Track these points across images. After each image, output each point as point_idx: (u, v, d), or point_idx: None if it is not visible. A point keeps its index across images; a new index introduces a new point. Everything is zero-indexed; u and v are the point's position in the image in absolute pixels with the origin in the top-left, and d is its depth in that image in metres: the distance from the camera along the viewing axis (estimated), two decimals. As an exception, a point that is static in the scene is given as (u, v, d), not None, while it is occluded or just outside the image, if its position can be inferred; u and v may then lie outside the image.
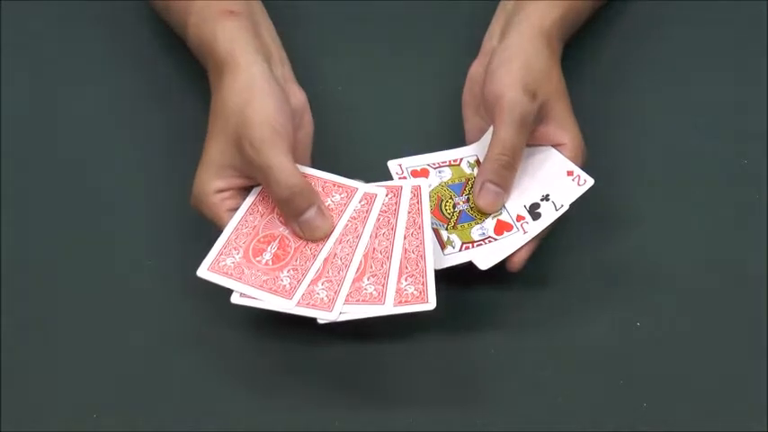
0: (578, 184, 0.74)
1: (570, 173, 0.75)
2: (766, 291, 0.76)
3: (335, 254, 0.71)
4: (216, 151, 0.73)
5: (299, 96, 0.77)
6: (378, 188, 0.74)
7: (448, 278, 0.74)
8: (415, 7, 0.91)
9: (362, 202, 0.73)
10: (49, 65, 0.89)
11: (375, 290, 0.69)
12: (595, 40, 0.88)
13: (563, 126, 0.76)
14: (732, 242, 0.78)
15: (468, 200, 0.76)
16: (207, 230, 0.75)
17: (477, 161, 0.77)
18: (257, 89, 0.73)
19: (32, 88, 0.88)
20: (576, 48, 0.85)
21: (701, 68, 0.88)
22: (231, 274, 0.70)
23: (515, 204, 0.75)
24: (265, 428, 0.71)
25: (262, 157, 0.70)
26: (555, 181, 0.75)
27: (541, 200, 0.74)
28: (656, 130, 0.84)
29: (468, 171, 0.77)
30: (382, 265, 0.70)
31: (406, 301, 0.69)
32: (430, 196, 0.75)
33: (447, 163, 0.78)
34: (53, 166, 0.83)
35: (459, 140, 0.80)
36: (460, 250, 0.73)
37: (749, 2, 0.91)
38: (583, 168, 0.75)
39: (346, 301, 0.69)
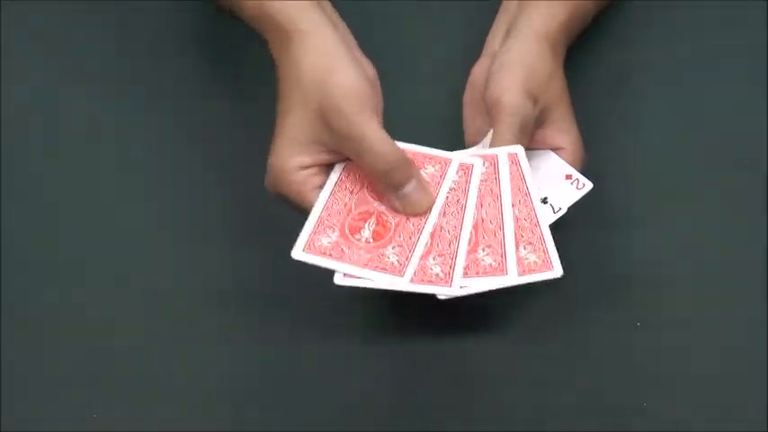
0: (577, 188, 0.74)
1: (569, 176, 0.75)
2: (766, 291, 0.76)
3: (442, 227, 0.68)
4: (296, 125, 0.69)
5: (369, 67, 0.75)
6: (474, 158, 0.71)
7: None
8: (415, 7, 0.91)
9: (459, 173, 0.70)
10: (49, 65, 0.89)
11: (494, 260, 0.67)
12: (594, 41, 0.88)
13: (563, 130, 0.76)
14: (732, 242, 0.78)
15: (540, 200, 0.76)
16: (206, 229, 0.76)
17: None
18: (335, 56, 0.70)
19: (32, 88, 0.87)
20: (574, 48, 0.85)
21: (701, 69, 0.88)
22: (330, 255, 0.67)
23: None
24: (263, 429, 0.71)
25: (354, 129, 0.67)
26: (553, 184, 0.75)
27: (540, 203, 0.74)
28: (656, 129, 0.84)
29: None
30: (495, 235, 0.68)
31: (530, 270, 0.67)
32: None
33: None
34: (53, 166, 0.83)
35: (458, 141, 0.80)
36: None
37: (749, 2, 0.91)
38: (582, 172, 0.75)
39: (465, 275, 0.67)
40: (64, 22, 0.91)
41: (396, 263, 0.67)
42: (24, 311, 0.76)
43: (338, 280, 0.67)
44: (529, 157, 0.76)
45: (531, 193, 0.69)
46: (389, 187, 0.69)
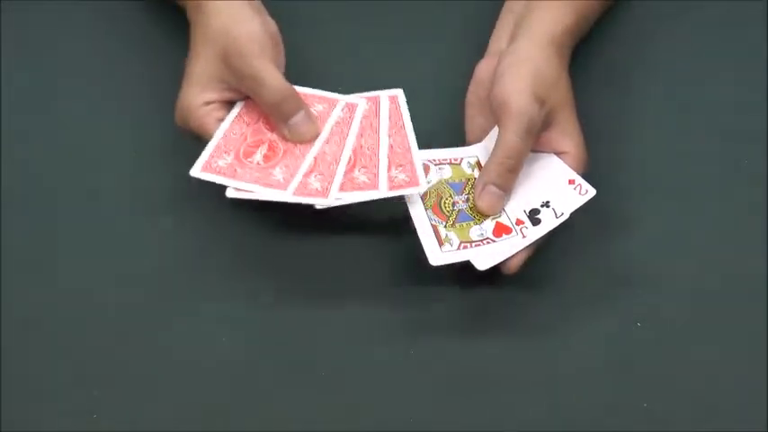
0: (579, 194, 0.74)
1: (572, 181, 0.75)
2: (766, 291, 0.76)
3: (325, 152, 0.76)
4: (202, 67, 0.77)
5: (273, 26, 0.80)
6: (358, 99, 0.79)
7: (446, 278, 0.74)
8: (415, 7, 0.92)
9: (344, 110, 0.78)
10: (49, 65, 0.89)
11: (368, 178, 0.74)
12: (594, 41, 0.88)
13: (568, 134, 0.76)
14: (732, 243, 0.78)
15: (467, 200, 0.76)
16: (207, 229, 0.75)
17: (478, 162, 0.78)
18: (240, 13, 0.78)
19: (32, 88, 0.87)
20: (582, 49, 0.85)
21: (701, 69, 0.88)
22: (225, 173, 0.74)
23: (515, 208, 0.75)
24: (261, 429, 0.71)
25: (252, 66, 0.75)
26: (556, 188, 0.75)
27: (542, 206, 0.74)
28: (656, 130, 0.84)
29: (468, 171, 0.77)
30: (371, 159, 0.75)
31: (399, 186, 0.74)
32: (429, 193, 0.76)
33: (448, 161, 0.78)
34: (52, 165, 0.83)
35: (458, 139, 0.80)
36: (458, 249, 0.73)
37: (749, 2, 0.91)
38: (584, 176, 0.75)
39: (341, 189, 0.74)
40: (64, 22, 0.91)
41: (281, 180, 0.74)
42: (24, 311, 0.76)
43: (230, 193, 0.74)
44: (532, 160, 0.76)
45: (406, 127, 0.77)
46: (280, 117, 0.76)
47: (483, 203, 0.75)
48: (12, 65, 0.89)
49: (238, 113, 0.78)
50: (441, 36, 0.89)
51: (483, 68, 0.80)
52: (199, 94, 0.77)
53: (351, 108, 0.78)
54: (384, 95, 0.79)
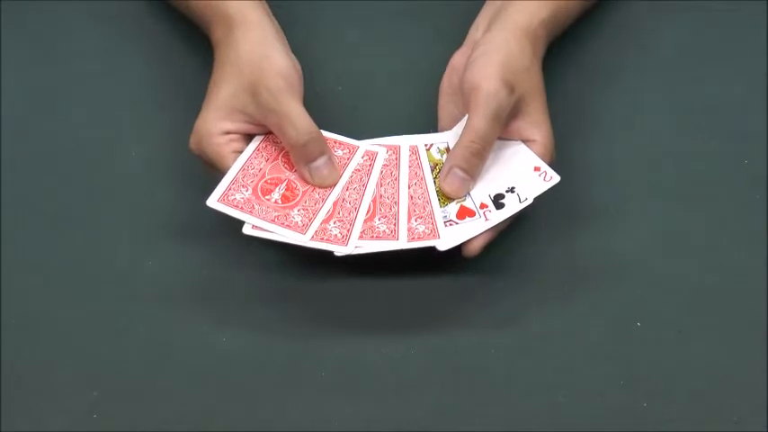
0: (544, 180, 0.75)
1: (537, 168, 0.76)
2: (766, 291, 0.76)
3: (344, 198, 0.75)
4: (226, 95, 0.76)
5: (297, 63, 0.79)
6: (378, 147, 0.78)
7: (448, 277, 0.74)
8: (416, 7, 0.92)
9: (365, 158, 0.77)
10: (49, 65, 0.89)
11: (387, 228, 0.74)
12: (594, 41, 0.88)
13: (536, 123, 0.77)
14: (732, 242, 0.78)
15: (433, 183, 0.77)
16: (207, 230, 0.75)
17: (447, 148, 0.78)
18: (272, 45, 0.77)
19: (32, 88, 0.87)
20: (582, 48, 0.85)
21: (701, 68, 0.88)
22: (242, 208, 0.73)
23: (480, 193, 0.75)
24: (264, 430, 0.71)
25: (281, 104, 0.74)
26: (521, 175, 0.76)
27: (506, 191, 0.75)
28: (657, 130, 0.84)
29: (437, 157, 0.78)
30: (391, 209, 0.75)
31: (418, 238, 0.73)
32: None
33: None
34: (52, 166, 0.83)
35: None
36: None
37: (749, 2, 0.91)
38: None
39: (360, 237, 0.73)
40: (64, 22, 0.91)
41: (300, 222, 0.73)
42: (24, 311, 0.76)
43: (247, 230, 0.73)
44: (499, 148, 0.77)
45: (426, 179, 0.76)
46: (303, 158, 0.75)
47: (447, 186, 0.75)
48: (12, 65, 0.89)
49: (257, 148, 0.76)
50: (439, 34, 0.89)
51: (458, 58, 0.81)
52: (219, 122, 0.75)
53: (371, 156, 0.77)
54: (405, 145, 0.78)
